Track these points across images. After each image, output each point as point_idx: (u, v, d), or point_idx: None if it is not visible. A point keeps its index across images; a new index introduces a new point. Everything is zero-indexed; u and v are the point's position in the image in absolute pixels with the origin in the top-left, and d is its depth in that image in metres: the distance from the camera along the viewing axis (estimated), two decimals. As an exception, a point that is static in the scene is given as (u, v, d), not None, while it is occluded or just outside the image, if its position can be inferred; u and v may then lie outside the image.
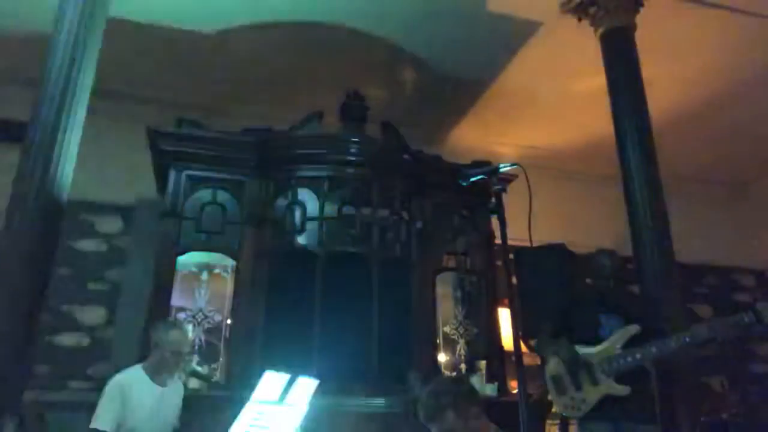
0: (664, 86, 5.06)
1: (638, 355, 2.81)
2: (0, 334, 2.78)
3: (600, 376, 2.81)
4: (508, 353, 4.28)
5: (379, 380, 3.76)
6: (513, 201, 2.42)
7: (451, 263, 4.47)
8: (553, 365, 2.93)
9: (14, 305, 2.83)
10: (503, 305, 4.39)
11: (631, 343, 2.86)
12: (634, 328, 2.88)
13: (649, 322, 3.00)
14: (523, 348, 2.06)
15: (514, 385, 4.03)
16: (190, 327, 3.82)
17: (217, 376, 3.71)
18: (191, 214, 3.96)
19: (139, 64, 4.92)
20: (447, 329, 4.42)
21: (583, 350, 2.88)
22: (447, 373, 4.27)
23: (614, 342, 2.86)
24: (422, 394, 2.19)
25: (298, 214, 4.08)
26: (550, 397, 3.02)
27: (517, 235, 2.27)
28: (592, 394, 2.80)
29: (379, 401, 3.61)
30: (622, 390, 2.77)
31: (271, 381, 2.45)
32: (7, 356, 2.76)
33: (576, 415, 2.89)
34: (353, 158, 4.17)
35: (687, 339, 2.80)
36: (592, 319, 3.02)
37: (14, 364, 2.79)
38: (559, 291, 4.02)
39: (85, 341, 4.66)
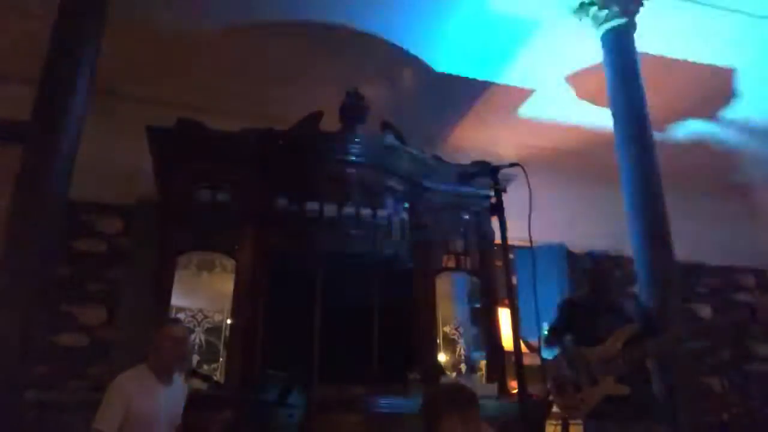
0: (665, 86, 5.06)
1: (636, 354, 2.81)
2: (0, 334, 2.78)
3: (599, 377, 2.81)
4: (508, 353, 4.28)
5: (380, 380, 3.76)
6: (513, 201, 2.42)
7: (451, 263, 4.47)
8: (554, 366, 2.93)
9: (15, 305, 2.83)
10: (503, 305, 4.39)
11: (630, 343, 2.85)
12: (632, 328, 2.88)
13: (647, 322, 3.00)
14: (523, 348, 2.05)
15: (514, 385, 4.03)
16: (190, 327, 3.83)
17: (217, 376, 3.70)
18: (191, 214, 3.96)
19: (139, 64, 4.92)
20: (447, 329, 4.42)
21: (582, 351, 2.88)
22: (447, 373, 4.27)
23: (613, 342, 2.86)
24: (423, 398, 2.19)
25: (297, 214, 4.08)
26: (551, 398, 3.02)
27: (517, 235, 2.27)
28: (592, 395, 2.80)
29: (380, 401, 3.61)
30: (623, 390, 2.76)
31: (272, 381, 2.46)
32: (7, 356, 2.76)
33: (577, 416, 2.89)
34: (353, 158, 4.17)
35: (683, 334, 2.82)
36: (590, 319, 3.02)
37: (14, 364, 2.79)
38: (559, 291, 4.02)
39: (85, 341, 4.66)
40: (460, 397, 2.08)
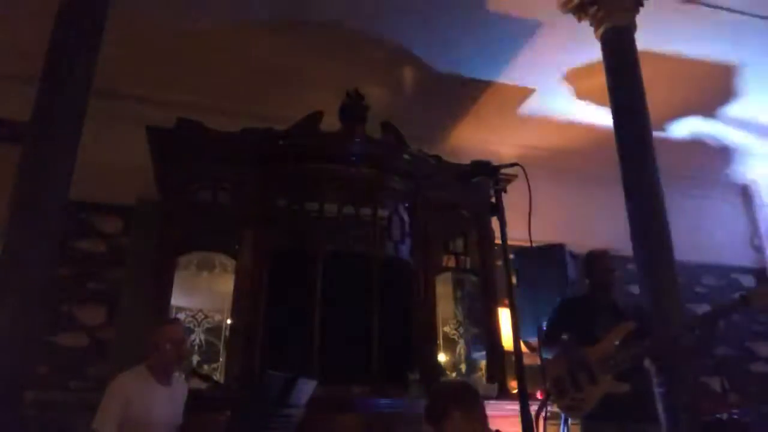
0: (665, 86, 5.06)
1: (634, 351, 2.81)
2: (1, 334, 2.78)
3: (598, 375, 2.80)
4: (508, 353, 4.28)
5: (380, 380, 3.76)
6: (513, 201, 2.42)
7: (451, 263, 4.47)
8: (554, 366, 2.93)
9: (15, 305, 2.83)
10: (503, 305, 4.39)
11: (627, 341, 2.85)
12: (629, 325, 2.87)
13: (644, 320, 3.00)
14: (523, 348, 2.06)
15: (514, 385, 4.03)
16: (190, 327, 3.83)
17: (217, 376, 3.70)
18: (191, 214, 3.95)
19: (139, 64, 4.92)
20: (447, 329, 4.42)
21: (580, 350, 2.88)
22: (448, 373, 4.27)
23: (610, 340, 2.85)
24: (428, 396, 2.20)
25: (297, 213, 4.08)
26: (551, 398, 3.02)
27: (517, 235, 2.27)
28: (592, 394, 2.80)
29: (380, 401, 3.61)
30: (622, 387, 2.76)
31: (272, 381, 2.46)
32: (7, 356, 2.76)
33: (578, 416, 2.89)
34: (353, 158, 4.17)
35: (677, 328, 2.81)
36: (589, 318, 3.02)
37: (14, 364, 2.79)
38: (559, 291, 4.02)
39: (85, 341, 4.66)
40: (466, 396, 2.10)
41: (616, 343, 2.83)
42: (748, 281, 7.02)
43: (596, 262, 3.18)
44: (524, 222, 2.14)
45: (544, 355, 3.08)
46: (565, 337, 2.97)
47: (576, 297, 3.35)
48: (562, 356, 2.92)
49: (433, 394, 2.20)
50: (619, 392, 2.75)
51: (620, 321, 2.92)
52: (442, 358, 4.34)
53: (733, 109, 5.77)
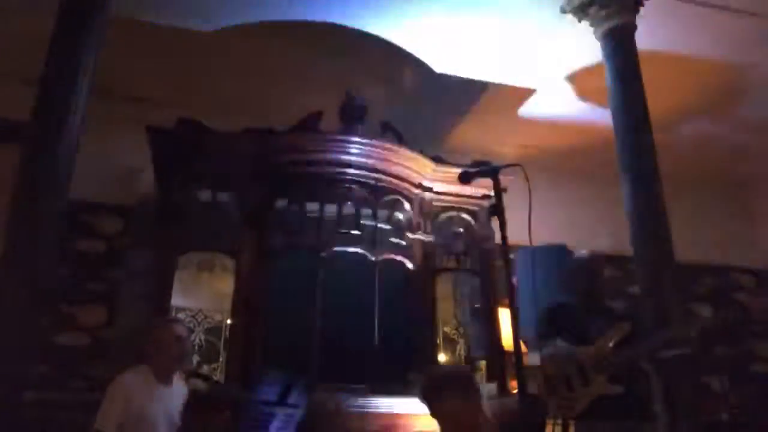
0: (664, 86, 5.06)
1: (629, 354, 2.81)
2: (1, 334, 2.78)
3: (591, 376, 2.80)
4: (508, 353, 4.28)
5: (379, 380, 3.76)
6: (513, 201, 2.43)
7: (451, 263, 4.47)
8: (546, 366, 2.93)
9: (15, 305, 2.83)
10: (503, 305, 4.39)
11: (623, 343, 2.85)
12: (625, 327, 2.86)
13: (641, 322, 2.99)
14: (523, 348, 2.06)
15: (514, 385, 4.03)
16: (190, 327, 3.83)
17: (217, 376, 3.71)
18: (191, 214, 3.95)
19: (139, 64, 4.92)
20: (447, 329, 4.42)
21: (573, 350, 2.88)
22: (447, 373, 4.27)
23: (606, 341, 2.85)
24: (423, 380, 2.21)
25: (297, 214, 4.08)
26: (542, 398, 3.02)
27: (517, 235, 2.28)
28: (583, 394, 2.79)
29: (380, 401, 3.61)
30: (615, 389, 2.76)
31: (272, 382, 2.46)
32: (7, 356, 2.76)
33: (569, 416, 2.89)
34: (353, 158, 4.17)
35: (673, 334, 2.80)
36: (583, 319, 3.02)
37: (14, 364, 2.79)
38: (559, 291, 4.02)
39: (85, 341, 4.66)
40: (461, 378, 2.11)
41: (611, 344, 2.83)
42: (748, 281, 7.03)
43: (586, 266, 3.18)
44: (524, 222, 2.15)
45: (536, 356, 3.07)
46: (558, 339, 2.97)
47: (569, 300, 3.34)
48: (555, 356, 2.91)
49: (428, 376, 2.21)
50: (613, 394, 2.75)
51: (614, 323, 2.92)
52: (442, 358, 4.34)
53: (733, 109, 5.77)
